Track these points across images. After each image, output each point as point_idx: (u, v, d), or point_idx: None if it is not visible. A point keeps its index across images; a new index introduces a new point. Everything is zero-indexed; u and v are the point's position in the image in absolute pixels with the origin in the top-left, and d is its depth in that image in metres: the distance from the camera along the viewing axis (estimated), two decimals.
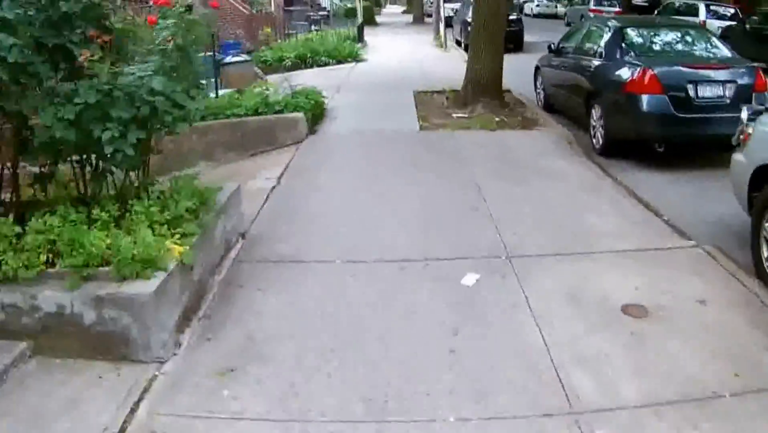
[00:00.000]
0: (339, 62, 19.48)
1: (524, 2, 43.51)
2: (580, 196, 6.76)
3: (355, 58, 19.86)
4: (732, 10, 21.53)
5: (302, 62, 19.42)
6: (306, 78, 16.65)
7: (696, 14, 21.40)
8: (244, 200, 6.18)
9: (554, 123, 10.09)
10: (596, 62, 9.01)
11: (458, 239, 5.56)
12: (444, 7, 25.06)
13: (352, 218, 6.15)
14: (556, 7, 42.01)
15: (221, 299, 4.69)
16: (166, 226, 4.51)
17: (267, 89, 10.01)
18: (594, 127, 8.84)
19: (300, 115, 9.27)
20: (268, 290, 4.75)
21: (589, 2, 32.12)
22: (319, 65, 19.30)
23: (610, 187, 7.23)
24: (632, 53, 8.51)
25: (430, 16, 40.41)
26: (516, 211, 6.22)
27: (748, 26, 17.64)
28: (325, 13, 33.87)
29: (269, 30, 22.59)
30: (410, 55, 21.21)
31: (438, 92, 12.76)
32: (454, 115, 10.47)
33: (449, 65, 18.27)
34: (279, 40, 22.79)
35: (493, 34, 10.78)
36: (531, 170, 7.59)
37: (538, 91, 12.10)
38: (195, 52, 5.19)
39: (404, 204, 6.47)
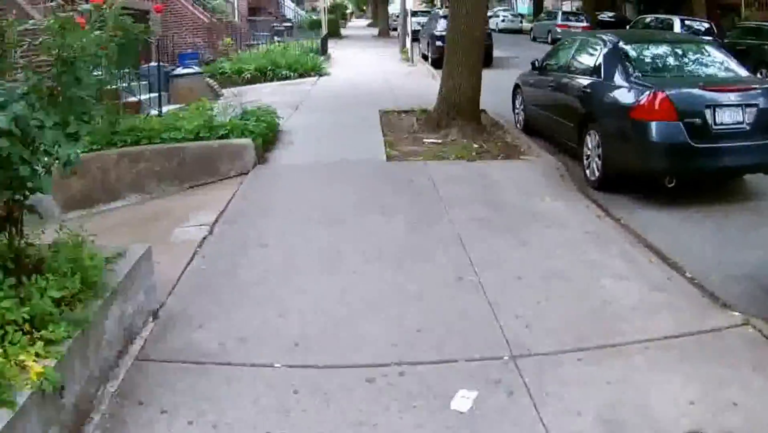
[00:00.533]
0: (301, 76, 18.03)
1: (489, 17, 42.47)
2: (586, 250, 5.36)
3: (318, 71, 18.39)
4: (706, 25, 20.65)
5: (262, 75, 17.96)
6: (264, 93, 15.17)
7: (670, 29, 20.44)
8: (165, 256, 4.71)
9: (539, 150, 8.70)
10: (593, 82, 7.61)
11: (443, 328, 4.03)
12: (410, 21, 23.64)
13: (301, 291, 4.58)
14: (521, 22, 41.04)
15: (112, 425, 3.17)
16: (26, 326, 3.01)
17: (211, 109, 8.45)
18: (588, 156, 7.48)
19: (247, 141, 7.73)
20: (177, 415, 3.23)
21: (556, 17, 31.18)
22: (279, 79, 17.84)
23: (616, 233, 5.87)
24: (637, 72, 7.11)
25: (395, 30, 39.17)
26: (513, 278, 4.76)
27: (726, 41, 16.75)
28: (290, 24, 32.34)
29: (229, 40, 20.98)
30: (376, 69, 19.82)
31: (407, 112, 11.36)
32: (426, 140, 9.03)
33: (417, 81, 16.97)
34: (239, 51, 21.21)
35: (470, 50, 9.37)
36: (522, 214, 6.17)
37: (517, 111, 10.75)
38: (87, 67, 3.67)
39: (370, 272, 4.92)
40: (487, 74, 18.58)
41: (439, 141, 8.87)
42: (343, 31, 41.51)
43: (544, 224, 5.94)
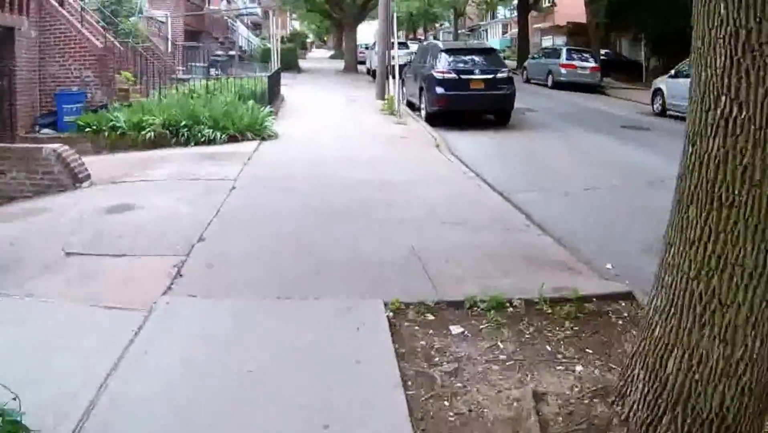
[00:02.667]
0: (232, 139, 10.96)
1: None
2: None
3: (261, 132, 11.29)
4: None
5: (173, 135, 10.86)
6: (154, 183, 7.79)
7: None
8: None
9: None
10: None
11: None
12: (397, 56, 16.08)
13: None
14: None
15: None
16: None
17: None
18: None
19: None
20: None
21: (559, 56, 24.67)
22: (198, 142, 10.77)
23: None
24: None
25: (363, 63, 32.30)
26: None
27: None
28: (231, 53, 25.01)
29: (128, 74, 13.67)
30: (349, 131, 12.56)
31: (456, 307, 4.34)
32: None
33: (423, 162, 9.78)
34: (153, 90, 13.92)
35: None
36: None
37: None
38: None
39: None
40: (508, 140, 11.82)
41: None
42: (302, 64, 34.36)
43: None
